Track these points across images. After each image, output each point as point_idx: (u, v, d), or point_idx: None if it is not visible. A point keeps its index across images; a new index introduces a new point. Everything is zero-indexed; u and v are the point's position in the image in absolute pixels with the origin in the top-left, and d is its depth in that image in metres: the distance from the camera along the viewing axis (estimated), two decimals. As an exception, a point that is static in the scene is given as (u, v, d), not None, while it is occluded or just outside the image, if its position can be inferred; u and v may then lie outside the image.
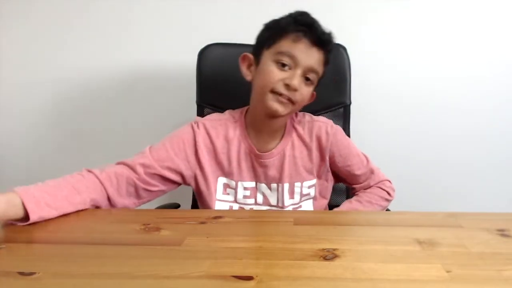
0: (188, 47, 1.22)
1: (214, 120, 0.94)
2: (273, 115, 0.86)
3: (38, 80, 1.46)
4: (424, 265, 0.52)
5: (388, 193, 0.98)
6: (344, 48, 1.15)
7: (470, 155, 1.42)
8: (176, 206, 1.05)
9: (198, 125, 0.91)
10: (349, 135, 1.15)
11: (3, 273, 0.51)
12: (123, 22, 1.40)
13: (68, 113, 1.48)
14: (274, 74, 0.83)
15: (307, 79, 0.85)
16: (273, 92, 0.83)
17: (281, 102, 0.84)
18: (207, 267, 0.52)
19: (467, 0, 1.33)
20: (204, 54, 1.15)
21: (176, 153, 0.88)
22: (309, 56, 0.84)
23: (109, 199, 0.80)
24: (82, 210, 0.78)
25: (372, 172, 0.98)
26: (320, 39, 0.85)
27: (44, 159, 1.50)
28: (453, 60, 1.36)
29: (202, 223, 0.69)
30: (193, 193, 1.16)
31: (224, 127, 0.92)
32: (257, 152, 0.91)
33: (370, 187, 0.98)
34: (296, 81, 0.82)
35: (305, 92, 0.86)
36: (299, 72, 0.83)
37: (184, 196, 1.17)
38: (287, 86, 0.82)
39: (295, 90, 0.83)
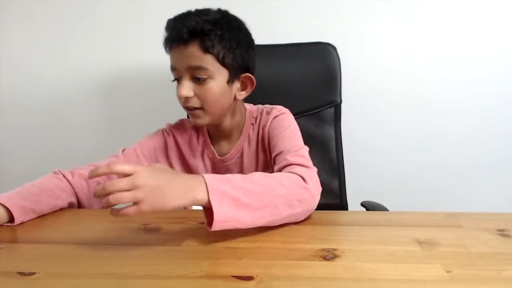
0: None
1: (180, 128, 0.96)
2: (203, 126, 0.89)
3: (37, 80, 1.46)
4: (424, 265, 0.52)
5: (303, 180, 0.69)
6: (334, 48, 1.15)
7: (470, 155, 1.41)
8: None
9: (168, 133, 0.95)
10: (340, 134, 1.15)
11: (3, 273, 0.51)
12: (120, 22, 1.39)
13: (65, 113, 1.48)
14: (177, 93, 0.80)
15: (198, 79, 0.79)
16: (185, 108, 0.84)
17: (193, 115, 0.83)
18: (207, 267, 0.52)
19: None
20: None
21: (147, 160, 0.91)
22: (181, 59, 0.78)
23: (79, 203, 0.83)
24: (82, 210, 0.81)
25: (295, 161, 0.75)
26: (180, 36, 0.77)
27: (44, 158, 1.50)
28: (446, 59, 1.34)
29: (202, 223, 0.69)
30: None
31: (188, 135, 0.95)
32: (218, 157, 0.93)
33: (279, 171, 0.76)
34: (183, 90, 0.78)
35: (206, 93, 0.80)
36: (185, 79, 0.79)
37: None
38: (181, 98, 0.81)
39: (186, 98, 0.80)
